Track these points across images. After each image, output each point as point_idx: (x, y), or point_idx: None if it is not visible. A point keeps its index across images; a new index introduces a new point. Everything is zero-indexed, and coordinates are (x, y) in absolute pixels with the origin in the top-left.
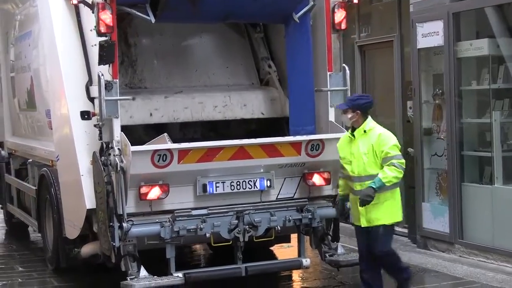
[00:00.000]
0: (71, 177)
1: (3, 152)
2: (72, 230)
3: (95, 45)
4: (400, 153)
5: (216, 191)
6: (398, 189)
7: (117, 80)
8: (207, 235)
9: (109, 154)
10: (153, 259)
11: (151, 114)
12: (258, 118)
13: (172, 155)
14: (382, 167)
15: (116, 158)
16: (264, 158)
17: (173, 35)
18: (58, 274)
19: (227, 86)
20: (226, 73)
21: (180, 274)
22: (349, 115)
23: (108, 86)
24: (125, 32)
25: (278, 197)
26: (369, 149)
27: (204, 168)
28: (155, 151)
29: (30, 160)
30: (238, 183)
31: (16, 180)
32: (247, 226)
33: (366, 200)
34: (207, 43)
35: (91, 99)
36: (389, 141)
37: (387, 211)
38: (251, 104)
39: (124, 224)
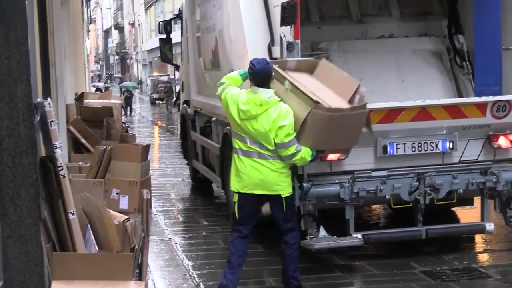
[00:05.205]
0: None
1: (189, 110)
2: None
3: (277, 6)
4: None
5: (396, 152)
6: None
7: (299, 41)
8: (387, 196)
9: None
10: (332, 219)
11: None
12: None
13: None
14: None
15: None
16: (447, 120)
17: None
18: None
19: None
20: None
21: (359, 235)
22: None
23: (290, 47)
24: None
25: (461, 160)
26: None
27: (385, 129)
28: None
29: (214, 118)
30: (419, 144)
31: (201, 137)
32: (428, 189)
33: None
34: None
35: (273, 60)
36: None
37: None
38: None
39: (305, 184)
